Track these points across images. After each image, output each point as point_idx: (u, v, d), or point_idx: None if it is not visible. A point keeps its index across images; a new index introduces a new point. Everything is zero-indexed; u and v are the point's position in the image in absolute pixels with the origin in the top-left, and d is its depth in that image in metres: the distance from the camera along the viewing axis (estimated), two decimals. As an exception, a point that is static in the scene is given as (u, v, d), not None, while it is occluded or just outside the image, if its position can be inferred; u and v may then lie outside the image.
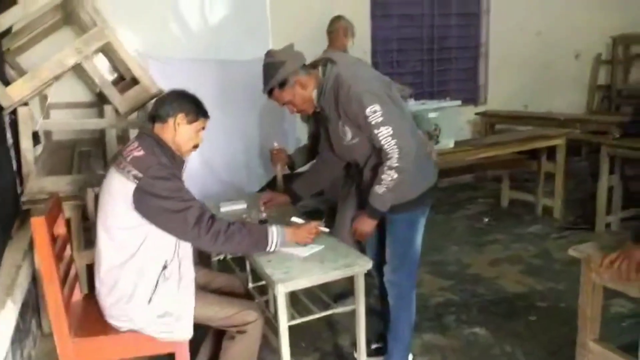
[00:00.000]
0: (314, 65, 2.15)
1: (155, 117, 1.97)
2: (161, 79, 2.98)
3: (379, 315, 2.56)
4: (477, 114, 5.70)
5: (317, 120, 2.45)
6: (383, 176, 2.00)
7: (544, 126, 4.91)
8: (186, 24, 3.78)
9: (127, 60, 2.79)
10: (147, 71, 2.90)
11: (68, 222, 2.46)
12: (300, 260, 1.95)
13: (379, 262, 2.34)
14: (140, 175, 1.81)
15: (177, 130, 1.95)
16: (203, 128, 2.04)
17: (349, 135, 2.10)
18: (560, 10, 6.11)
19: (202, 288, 2.16)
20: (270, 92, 2.12)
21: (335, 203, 2.95)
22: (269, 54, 2.12)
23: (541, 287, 3.27)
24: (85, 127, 2.85)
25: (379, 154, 2.06)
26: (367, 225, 2.13)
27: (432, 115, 3.63)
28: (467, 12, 5.83)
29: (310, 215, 2.50)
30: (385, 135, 1.97)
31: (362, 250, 2.48)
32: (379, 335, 2.56)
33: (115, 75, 3.88)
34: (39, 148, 3.63)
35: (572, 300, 3.05)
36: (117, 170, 1.86)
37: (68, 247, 2.14)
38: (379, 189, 2.02)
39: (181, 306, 1.91)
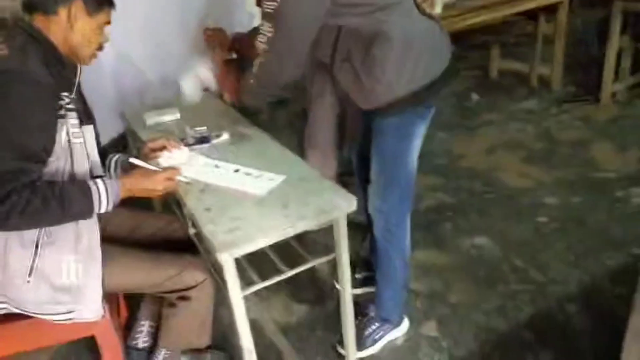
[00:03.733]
0: None
1: (35, 5, 1.29)
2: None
3: (364, 233, 2.06)
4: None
5: None
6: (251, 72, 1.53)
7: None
8: None
9: None
10: None
11: None
12: (255, 203, 1.36)
13: (364, 179, 1.78)
14: None
15: (74, 26, 1.30)
16: (108, 22, 1.39)
17: None
18: None
19: (124, 238, 1.59)
20: None
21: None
22: None
23: (548, 177, 2.80)
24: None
25: (350, 39, 1.45)
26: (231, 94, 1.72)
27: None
28: None
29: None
30: (264, 32, 1.42)
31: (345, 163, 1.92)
32: (364, 261, 2.08)
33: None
34: None
35: (585, 193, 2.63)
36: None
37: None
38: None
39: (82, 274, 1.34)
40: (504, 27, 3.93)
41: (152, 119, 1.97)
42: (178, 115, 1.99)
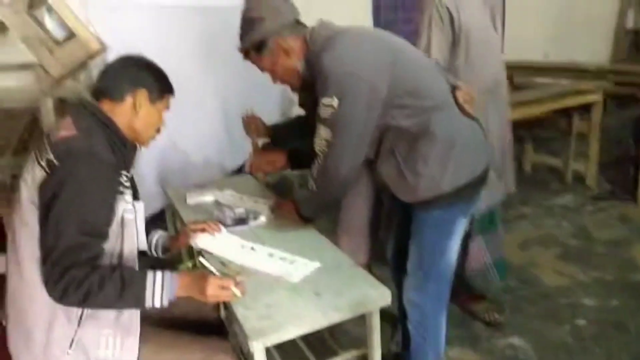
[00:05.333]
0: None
1: (103, 92, 1.40)
2: (110, 32, 2.31)
3: (395, 324, 2.02)
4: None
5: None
6: (309, 179, 1.62)
7: (570, 78, 4.25)
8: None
9: (58, 8, 2.12)
10: (86, 21, 2.22)
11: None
12: (288, 290, 1.36)
13: (398, 270, 1.77)
14: (56, 162, 1.24)
15: (138, 113, 1.40)
16: (168, 108, 1.50)
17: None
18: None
19: (157, 319, 1.60)
20: (246, 54, 1.66)
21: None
22: (246, 2, 1.59)
23: (585, 277, 2.71)
24: (9, 97, 2.22)
25: (396, 137, 1.53)
26: (287, 213, 1.77)
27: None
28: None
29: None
30: (321, 137, 1.52)
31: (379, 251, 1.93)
32: (395, 356, 2.02)
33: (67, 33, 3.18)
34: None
35: (625, 296, 2.53)
36: (34, 157, 1.30)
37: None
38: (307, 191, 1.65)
39: (119, 348, 1.34)
40: (537, 122, 4.00)
41: (193, 198, 2.04)
42: (218, 196, 2.06)
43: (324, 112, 1.48)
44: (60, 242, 1.19)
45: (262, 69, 1.67)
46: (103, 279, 1.20)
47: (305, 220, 1.72)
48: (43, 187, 1.25)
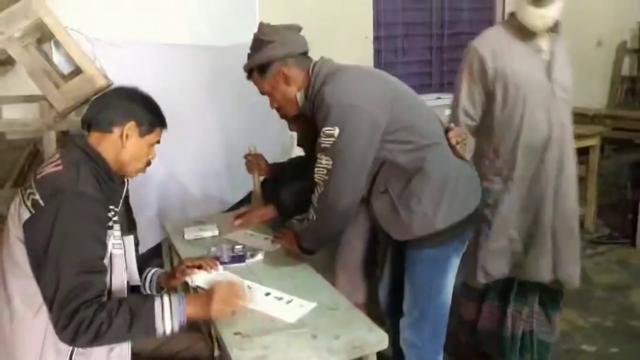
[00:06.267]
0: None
1: (92, 122, 1.39)
2: (116, 69, 2.36)
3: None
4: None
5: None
6: (310, 209, 1.61)
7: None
8: (153, 4, 3.13)
9: (65, 43, 2.17)
10: (93, 58, 2.27)
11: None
12: (284, 330, 1.35)
13: (393, 309, 1.76)
14: (41, 203, 1.23)
15: (125, 145, 1.39)
16: (158, 141, 1.48)
17: None
18: (581, -8, 5.48)
19: (149, 354, 1.57)
20: (249, 73, 1.71)
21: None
22: (260, 27, 1.68)
23: (584, 322, 2.68)
24: (12, 129, 2.24)
25: (390, 173, 1.54)
26: (288, 244, 1.77)
27: (448, 112, 3.01)
28: (480, -6, 5.19)
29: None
30: (320, 165, 1.53)
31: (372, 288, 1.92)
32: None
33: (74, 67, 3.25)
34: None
35: (625, 342, 2.50)
36: (20, 194, 1.31)
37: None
38: (308, 223, 1.64)
39: None
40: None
41: (191, 233, 2.04)
42: (217, 232, 2.05)
43: (325, 141, 1.50)
44: (61, 286, 1.19)
45: (262, 91, 1.71)
46: (110, 315, 1.19)
47: (306, 252, 1.71)
48: (30, 229, 1.24)
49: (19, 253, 1.26)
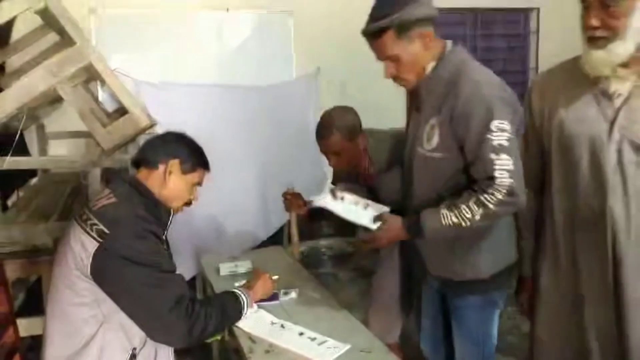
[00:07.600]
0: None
1: (141, 161, 1.52)
2: (160, 109, 2.47)
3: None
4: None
5: None
6: (462, 204, 1.39)
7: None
8: (197, 47, 3.29)
9: (113, 86, 2.28)
10: (138, 99, 2.39)
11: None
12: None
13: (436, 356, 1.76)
14: (106, 231, 1.33)
15: (168, 181, 1.50)
16: (200, 183, 1.58)
17: (434, 142, 1.47)
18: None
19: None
20: (375, 35, 1.46)
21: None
22: None
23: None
24: (59, 167, 2.36)
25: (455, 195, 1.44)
26: (392, 235, 1.53)
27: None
28: (513, 33, 5.22)
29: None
30: (503, 167, 1.35)
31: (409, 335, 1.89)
32: None
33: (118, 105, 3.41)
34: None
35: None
36: (78, 225, 1.39)
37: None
38: (445, 212, 1.40)
39: None
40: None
41: (226, 269, 2.07)
42: (250, 267, 2.08)
43: (498, 138, 1.36)
44: (167, 290, 1.36)
45: (385, 55, 1.48)
46: (207, 309, 1.42)
47: (411, 235, 1.51)
48: (100, 258, 1.33)
49: (77, 281, 1.35)
